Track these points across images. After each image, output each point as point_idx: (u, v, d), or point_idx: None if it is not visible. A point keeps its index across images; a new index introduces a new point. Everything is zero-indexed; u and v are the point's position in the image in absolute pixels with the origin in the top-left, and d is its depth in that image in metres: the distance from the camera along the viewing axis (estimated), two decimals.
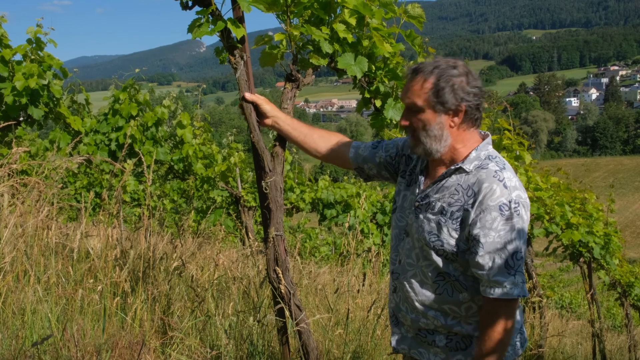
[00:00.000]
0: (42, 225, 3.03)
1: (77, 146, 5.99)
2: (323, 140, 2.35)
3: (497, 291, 1.84)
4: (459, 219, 1.90)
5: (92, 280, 3.23)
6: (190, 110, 9.45)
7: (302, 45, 2.48)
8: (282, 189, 2.40)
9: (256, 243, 5.32)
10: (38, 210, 3.03)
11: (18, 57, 4.76)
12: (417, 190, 2.04)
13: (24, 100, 4.57)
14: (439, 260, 1.96)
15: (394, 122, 3.00)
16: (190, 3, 2.20)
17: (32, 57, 4.74)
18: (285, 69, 2.49)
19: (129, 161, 6.22)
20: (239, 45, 2.31)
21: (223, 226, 8.69)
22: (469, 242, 1.89)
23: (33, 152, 8.02)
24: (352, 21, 2.49)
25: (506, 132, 4.16)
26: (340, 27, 2.46)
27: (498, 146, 4.11)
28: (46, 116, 5.08)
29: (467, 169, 1.92)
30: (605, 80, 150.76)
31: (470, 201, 1.88)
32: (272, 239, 2.42)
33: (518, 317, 2.02)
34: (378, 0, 2.59)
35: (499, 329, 1.85)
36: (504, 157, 4.17)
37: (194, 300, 3.53)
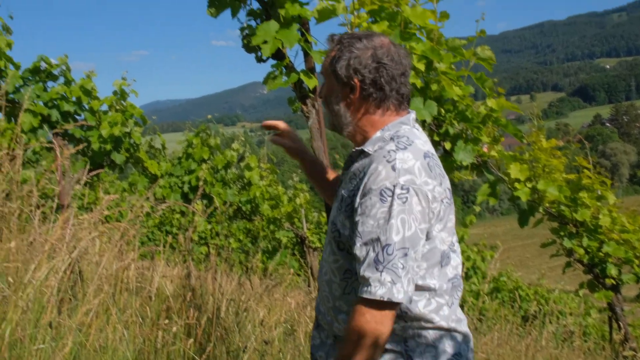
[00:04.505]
0: (123, 266, 3.18)
1: (151, 188, 6.28)
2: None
3: (363, 289, 1.53)
4: (349, 206, 1.65)
5: (167, 321, 3.33)
6: (256, 151, 9.72)
7: None
8: None
9: None
10: (121, 252, 3.19)
11: (104, 106, 5.13)
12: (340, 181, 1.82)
13: (108, 147, 4.89)
14: (342, 256, 1.69)
15: (464, 164, 2.98)
16: (265, 57, 2.30)
17: (117, 107, 5.09)
18: None
19: (198, 202, 6.45)
20: (311, 95, 2.39)
21: (291, 269, 8.76)
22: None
23: (112, 193, 8.45)
24: (421, 66, 2.52)
25: (585, 170, 4.01)
26: None
27: (577, 186, 3.96)
28: (127, 161, 5.39)
29: (369, 151, 1.67)
30: None
31: (359, 185, 1.62)
32: None
33: (458, 350, 1.67)
34: (446, 44, 2.61)
35: (354, 336, 1.54)
36: (583, 197, 4.02)
37: (262, 343, 3.57)
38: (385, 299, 1.50)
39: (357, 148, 1.71)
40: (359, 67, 1.66)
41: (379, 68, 1.66)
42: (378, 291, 1.51)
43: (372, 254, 1.53)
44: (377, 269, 1.52)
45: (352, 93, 1.69)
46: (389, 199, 1.53)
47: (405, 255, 1.53)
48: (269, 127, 2.09)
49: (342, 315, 1.72)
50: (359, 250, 1.56)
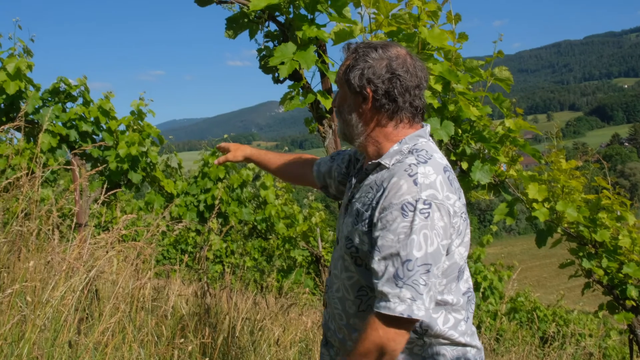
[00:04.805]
0: (139, 285, 3.19)
1: (167, 207, 6.33)
2: (293, 165, 2.23)
3: (381, 304, 1.49)
4: (367, 220, 1.61)
5: (182, 340, 3.32)
6: None
7: None
8: None
9: None
10: (137, 271, 3.21)
11: (121, 126, 5.20)
12: (348, 193, 1.78)
13: (125, 166, 4.94)
14: (359, 272, 1.66)
15: (482, 183, 2.96)
16: (282, 78, 2.32)
17: (134, 127, 5.15)
18: None
19: (214, 220, 6.47)
20: (328, 115, 2.40)
21: (306, 287, 8.73)
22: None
23: (129, 212, 8.50)
24: (438, 87, 2.53)
25: (604, 190, 3.96)
26: (426, 93, 2.50)
27: (596, 206, 3.91)
28: (143, 180, 5.44)
29: (386, 164, 1.63)
30: None
31: (378, 199, 1.58)
32: None
33: (477, 342, 1.67)
34: (464, 65, 2.61)
35: (363, 350, 1.50)
36: (603, 217, 3.97)
37: None
38: (405, 316, 1.46)
39: (373, 160, 1.68)
40: (372, 77, 1.63)
41: (392, 79, 1.62)
42: (397, 307, 1.47)
43: (391, 269, 1.50)
44: (396, 285, 1.48)
45: (365, 103, 1.66)
46: (411, 213, 1.50)
47: (428, 271, 1.49)
48: (223, 149, 2.33)
49: (356, 334, 1.68)
50: (377, 264, 1.52)
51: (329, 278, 1.83)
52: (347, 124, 1.71)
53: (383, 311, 1.48)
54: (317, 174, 2.10)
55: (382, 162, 1.64)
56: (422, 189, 1.52)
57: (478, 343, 1.72)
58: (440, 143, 2.83)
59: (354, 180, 1.77)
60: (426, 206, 1.50)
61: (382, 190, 1.58)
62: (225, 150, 2.34)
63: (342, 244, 1.71)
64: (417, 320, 1.49)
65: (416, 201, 1.50)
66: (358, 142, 1.71)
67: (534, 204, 3.59)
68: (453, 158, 2.94)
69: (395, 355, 1.51)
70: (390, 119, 1.66)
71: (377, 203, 1.58)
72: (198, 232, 10.40)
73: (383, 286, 1.50)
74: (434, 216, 1.51)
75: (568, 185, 3.62)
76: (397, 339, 1.50)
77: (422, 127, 1.72)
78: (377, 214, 1.56)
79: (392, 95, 1.63)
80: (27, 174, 3.42)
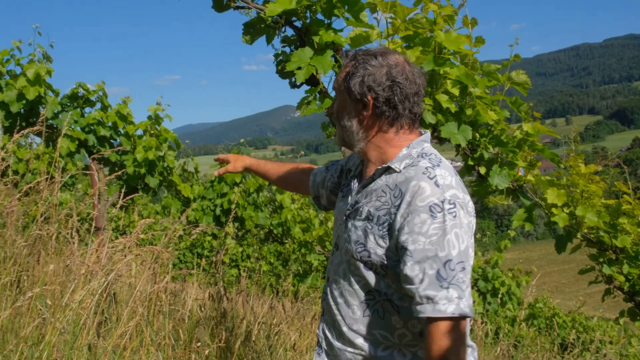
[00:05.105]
0: (157, 289, 3.22)
1: (184, 211, 6.37)
2: (291, 174, 2.27)
3: (428, 308, 1.50)
4: (386, 224, 1.61)
5: (199, 344, 3.33)
6: None
7: None
8: None
9: None
10: (155, 275, 3.23)
11: (139, 131, 5.25)
12: (349, 198, 1.79)
13: (142, 171, 4.98)
14: (368, 276, 1.66)
15: (500, 188, 2.93)
16: (299, 83, 2.33)
17: (151, 131, 5.20)
18: None
19: (230, 225, 6.50)
20: None
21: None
22: (398, 252, 1.58)
23: (145, 216, 8.56)
24: (455, 91, 2.51)
25: (625, 196, 3.89)
26: (443, 98, 2.49)
27: (617, 211, 3.85)
28: (160, 184, 5.48)
29: (396, 168, 1.65)
30: None
31: (397, 202, 1.59)
32: None
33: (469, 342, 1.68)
34: (481, 69, 2.60)
35: (437, 357, 1.50)
36: (623, 222, 3.90)
37: None
38: (457, 315, 1.48)
39: (382, 165, 1.69)
40: (372, 85, 1.64)
41: (392, 86, 1.64)
42: (448, 308, 1.49)
43: (430, 272, 1.50)
44: (441, 286, 1.49)
45: (365, 110, 1.68)
46: (440, 214, 1.52)
47: (464, 269, 1.52)
48: (222, 161, 2.40)
49: (359, 340, 1.69)
50: (411, 269, 1.52)
51: (326, 285, 1.84)
52: (346, 131, 1.72)
53: (434, 315, 1.49)
54: (312, 183, 2.14)
55: (392, 166, 1.65)
56: (444, 190, 1.55)
57: (472, 343, 1.74)
58: (457, 147, 2.81)
59: (354, 186, 1.80)
60: (452, 205, 1.53)
61: (400, 193, 1.59)
62: (224, 162, 2.41)
63: (350, 249, 1.70)
64: (467, 318, 1.51)
65: (442, 202, 1.53)
66: (358, 147, 1.73)
67: (553, 209, 3.54)
68: (471, 163, 2.92)
69: (466, 351, 1.53)
70: (390, 125, 1.68)
71: (398, 206, 1.58)
72: (214, 236, 10.45)
73: (426, 290, 1.51)
74: (460, 214, 1.54)
75: (588, 189, 3.57)
76: (460, 337, 1.50)
77: (421, 133, 1.75)
78: (399, 218, 1.57)
79: (392, 103, 1.65)
80: (47, 179, 3.47)
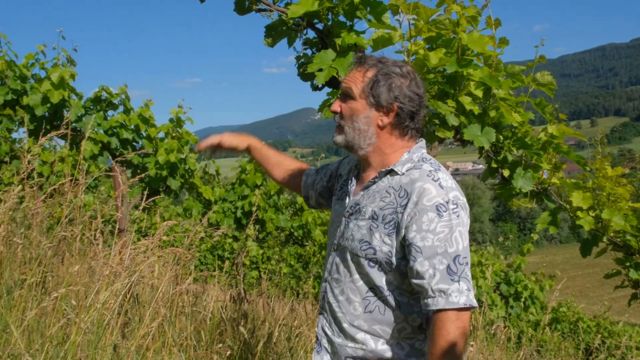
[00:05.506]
0: (179, 290, 3.24)
1: (206, 213, 6.41)
2: (288, 171, 2.26)
3: (441, 301, 1.61)
4: (392, 223, 1.70)
5: (220, 345, 3.35)
6: None
7: (428, 119, 2.50)
8: None
9: None
10: (177, 276, 3.26)
11: (160, 134, 5.31)
12: (347, 200, 1.86)
13: (164, 173, 5.03)
14: (371, 272, 1.74)
15: (524, 191, 2.89)
16: (319, 85, 2.32)
17: (173, 134, 5.24)
18: None
19: (251, 227, 6.52)
20: None
21: None
22: (404, 249, 1.68)
23: (167, 218, 8.63)
24: (479, 93, 2.48)
25: None
26: (466, 100, 2.46)
27: None
28: (182, 186, 5.53)
29: (399, 171, 1.74)
30: None
31: (403, 202, 1.68)
32: None
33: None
34: (505, 70, 2.56)
35: (446, 345, 1.60)
36: None
37: None
38: (468, 305, 1.60)
39: (385, 168, 1.77)
40: (399, 96, 1.73)
41: (415, 99, 1.74)
42: (460, 299, 1.60)
43: (440, 267, 1.61)
44: (452, 280, 1.61)
45: (386, 117, 1.75)
46: (445, 213, 1.63)
47: (467, 263, 1.65)
48: (209, 147, 2.22)
49: (360, 334, 1.77)
50: (421, 265, 1.62)
51: (324, 284, 1.91)
52: (359, 134, 1.77)
53: (448, 307, 1.60)
54: (304, 184, 2.20)
55: (395, 169, 1.74)
56: (447, 191, 1.66)
57: None
58: (480, 150, 2.78)
59: (351, 189, 1.86)
60: (455, 206, 1.65)
61: (406, 194, 1.69)
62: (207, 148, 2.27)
63: (354, 247, 1.77)
64: (473, 308, 1.63)
65: (447, 202, 1.64)
66: (363, 152, 1.80)
67: (578, 212, 3.48)
68: (494, 165, 2.88)
69: (464, 344, 1.64)
70: (403, 134, 1.78)
71: (405, 206, 1.67)
72: (235, 238, 10.50)
73: (438, 284, 1.61)
74: (461, 214, 1.67)
75: (614, 192, 3.50)
76: (465, 328, 1.63)
77: (417, 140, 1.85)
78: (406, 216, 1.66)
79: (413, 114, 1.76)
80: (71, 181, 3.52)
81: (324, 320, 1.90)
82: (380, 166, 1.80)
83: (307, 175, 2.21)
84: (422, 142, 1.84)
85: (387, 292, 1.73)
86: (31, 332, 2.58)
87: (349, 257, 1.79)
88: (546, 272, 10.85)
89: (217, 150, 2.24)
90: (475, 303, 1.62)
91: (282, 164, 2.28)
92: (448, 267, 1.61)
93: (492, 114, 2.56)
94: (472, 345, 4.81)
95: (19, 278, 3.02)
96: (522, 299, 9.88)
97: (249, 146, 2.27)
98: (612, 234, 3.79)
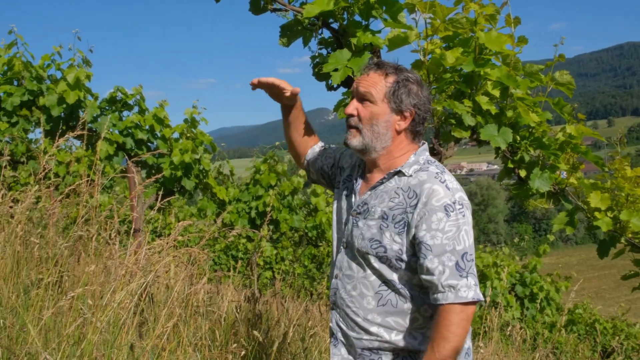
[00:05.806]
0: (194, 290, 3.24)
1: (220, 213, 6.42)
2: (300, 141, 2.21)
3: (451, 296, 1.70)
4: (402, 222, 1.78)
5: (235, 345, 3.35)
6: None
7: (444, 119, 2.48)
8: None
9: None
10: (191, 276, 3.27)
11: (175, 134, 5.33)
12: (353, 199, 1.94)
13: (179, 173, 5.05)
14: (382, 268, 1.82)
15: (540, 191, 2.85)
16: (335, 85, 2.31)
17: (188, 134, 5.26)
18: (428, 143, 2.50)
19: (265, 227, 6.53)
20: None
21: None
22: (414, 247, 1.77)
23: (181, 218, 8.66)
24: (496, 93, 2.46)
25: None
26: (482, 100, 2.44)
27: None
28: (196, 187, 5.54)
29: (406, 173, 1.83)
30: None
31: (413, 203, 1.78)
32: None
33: (468, 342, 1.88)
34: (523, 69, 2.53)
35: (452, 337, 1.70)
36: None
37: None
38: (476, 300, 1.71)
39: (392, 170, 1.85)
40: (418, 103, 1.83)
41: (427, 104, 1.86)
42: (469, 294, 1.70)
43: (449, 263, 1.71)
44: (461, 276, 1.71)
45: (403, 122, 1.84)
46: (453, 213, 1.73)
47: (472, 260, 1.75)
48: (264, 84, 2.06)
49: (374, 327, 1.85)
50: (431, 262, 1.72)
51: (334, 281, 1.97)
52: (378, 137, 1.84)
53: (458, 301, 1.69)
54: (307, 157, 2.22)
55: (403, 171, 1.83)
56: (454, 192, 1.77)
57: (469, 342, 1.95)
58: (497, 150, 2.75)
59: (357, 187, 1.93)
60: (460, 206, 1.75)
61: (415, 195, 1.78)
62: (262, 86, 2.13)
63: (364, 245, 1.84)
64: (480, 302, 1.74)
65: (454, 202, 1.74)
66: (378, 153, 1.87)
67: (596, 213, 3.43)
68: (511, 165, 2.85)
69: (464, 336, 1.73)
70: (414, 138, 1.88)
71: (415, 206, 1.76)
72: (249, 238, 10.52)
73: (448, 280, 1.70)
74: (467, 214, 1.77)
75: (633, 193, 3.45)
76: (468, 320, 1.72)
77: (419, 145, 1.93)
78: (416, 216, 1.75)
79: (424, 119, 1.88)
80: (87, 181, 3.54)
81: (337, 316, 1.96)
82: (387, 168, 1.88)
83: (313, 150, 2.22)
84: (425, 145, 1.94)
85: (399, 285, 1.82)
86: (48, 331, 2.60)
87: (362, 255, 1.86)
88: (562, 274, 10.74)
89: (269, 88, 2.09)
90: (481, 297, 1.73)
91: (300, 129, 2.18)
92: (457, 263, 1.71)
93: (510, 113, 2.53)
94: (486, 346, 4.77)
95: (36, 277, 3.05)
96: (538, 301, 9.78)
97: (297, 102, 2.14)
98: (630, 235, 3.73)
